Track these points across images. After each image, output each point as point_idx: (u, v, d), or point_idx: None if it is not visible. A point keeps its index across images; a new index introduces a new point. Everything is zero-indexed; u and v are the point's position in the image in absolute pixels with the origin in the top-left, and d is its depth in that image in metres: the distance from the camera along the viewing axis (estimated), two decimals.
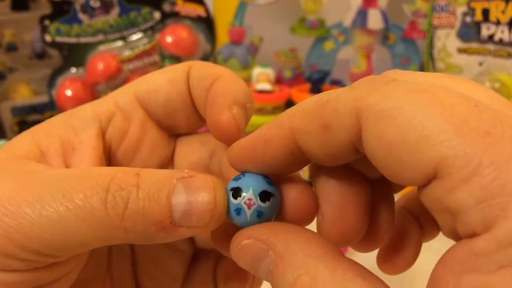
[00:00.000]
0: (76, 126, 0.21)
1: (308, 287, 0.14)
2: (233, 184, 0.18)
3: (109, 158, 0.22)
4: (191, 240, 0.25)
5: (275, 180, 0.18)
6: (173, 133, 0.23)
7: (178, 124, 0.23)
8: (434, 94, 0.14)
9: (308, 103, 0.17)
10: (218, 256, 0.25)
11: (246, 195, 0.17)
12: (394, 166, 0.14)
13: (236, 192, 0.18)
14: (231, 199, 0.18)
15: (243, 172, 0.18)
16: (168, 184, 0.17)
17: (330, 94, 0.16)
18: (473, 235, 0.13)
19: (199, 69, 0.22)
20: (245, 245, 0.17)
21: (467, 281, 0.12)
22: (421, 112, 0.13)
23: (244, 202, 0.17)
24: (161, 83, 0.22)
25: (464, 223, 0.13)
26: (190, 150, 0.23)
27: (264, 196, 0.18)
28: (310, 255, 0.15)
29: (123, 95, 0.22)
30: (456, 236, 0.14)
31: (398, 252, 0.20)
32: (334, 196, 0.18)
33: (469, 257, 0.13)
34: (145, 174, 0.17)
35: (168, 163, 0.24)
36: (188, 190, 0.17)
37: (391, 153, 0.14)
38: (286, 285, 0.15)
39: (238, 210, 0.17)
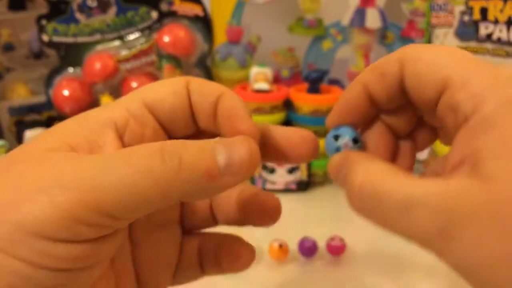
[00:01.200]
0: (95, 129, 0.23)
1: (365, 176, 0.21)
2: (334, 132, 0.26)
3: None
4: (181, 220, 0.29)
5: (359, 131, 0.27)
6: (171, 137, 0.26)
7: (177, 131, 0.25)
8: (444, 47, 0.22)
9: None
10: (201, 238, 0.29)
11: (344, 139, 0.25)
12: (420, 87, 0.22)
13: (336, 137, 0.26)
14: (333, 141, 0.26)
15: (338, 126, 0.26)
16: (210, 143, 0.21)
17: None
18: (466, 120, 0.20)
19: (199, 85, 0.25)
20: (334, 157, 0.24)
21: (468, 148, 0.19)
22: (437, 55, 0.22)
23: (343, 143, 0.25)
24: (166, 94, 0.25)
25: (462, 114, 0.20)
26: None
27: (355, 140, 0.26)
28: (367, 165, 0.22)
29: (132, 102, 0.24)
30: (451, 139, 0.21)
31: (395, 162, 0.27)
32: (378, 146, 0.27)
33: (466, 132, 0.20)
34: (188, 141, 0.21)
35: None
36: (227, 145, 0.21)
37: (419, 79, 0.22)
38: (351, 183, 0.21)
39: (338, 148, 0.25)
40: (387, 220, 0.20)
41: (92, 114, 0.24)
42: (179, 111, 0.25)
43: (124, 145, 0.23)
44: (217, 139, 0.22)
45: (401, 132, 0.27)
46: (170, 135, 0.25)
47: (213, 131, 0.26)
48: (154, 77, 0.70)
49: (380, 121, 0.27)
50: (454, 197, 0.18)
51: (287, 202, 0.69)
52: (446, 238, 0.18)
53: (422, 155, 0.62)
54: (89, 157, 0.20)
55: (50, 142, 0.21)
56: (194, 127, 0.26)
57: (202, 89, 0.25)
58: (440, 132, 0.27)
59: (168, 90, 0.25)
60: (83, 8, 0.69)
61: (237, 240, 0.30)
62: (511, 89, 0.19)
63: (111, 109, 0.24)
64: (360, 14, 0.70)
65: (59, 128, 0.23)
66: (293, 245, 0.50)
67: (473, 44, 0.64)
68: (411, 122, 0.26)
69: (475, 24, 0.63)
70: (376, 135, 0.27)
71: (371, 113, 0.26)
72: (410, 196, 0.19)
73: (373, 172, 0.21)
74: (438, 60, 0.22)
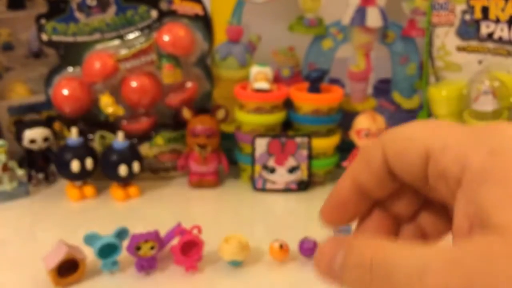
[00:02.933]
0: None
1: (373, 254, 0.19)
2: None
3: None
4: None
5: None
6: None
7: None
8: (419, 122, 0.23)
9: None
10: None
11: None
12: (404, 165, 0.22)
13: None
14: None
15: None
16: None
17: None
18: (459, 182, 0.20)
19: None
20: (323, 246, 0.22)
21: (471, 207, 0.19)
22: (412, 130, 0.22)
23: None
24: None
25: (452, 178, 0.20)
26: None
27: None
28: (371, 241, 0.20)
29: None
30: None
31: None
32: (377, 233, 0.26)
33: (463, 193, 0.19)
34: None
35: None
36: None
37: (401, 158, 0.22)
38: (357, 263, 0.20)
39: None
40: None
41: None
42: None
43: None
44: None
45: (402, 217, 0.26)
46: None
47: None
48: (154, 77, 0.70)
49: (377, 209, 0.26)
50: (471, 257, 0.17)
51: (287, 202, 0.69)
52: None
53: None
54: None
55: None
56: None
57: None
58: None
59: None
60: (83, 7, 0.69)
61: None
62: (489, 139, 0.19)
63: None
64: (360, 13, 0.70)
65: None
66: (293, 245, 0.50)
67: (474, 43, 0.64)
68: (411, 205, 0.25)
69: (476, 23, 0.63)
70: (374, 223, 0.26)
71: (366, 204, 0.25)
72: (423, 263, 0.18)
73: (379, 245, 0.20)
74: (413, 135, 0.22)
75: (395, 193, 0.25)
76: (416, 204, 0.25)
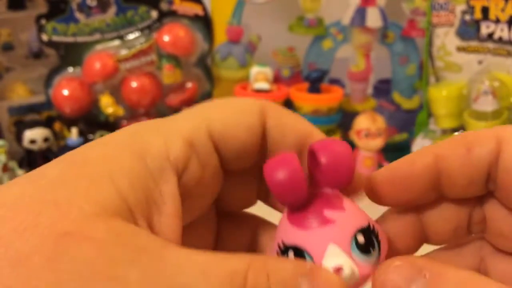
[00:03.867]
0: (153, 171, 0.18)
1: None
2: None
3: None
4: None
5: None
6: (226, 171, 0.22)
7: (234, 167, 0.21)
8: None
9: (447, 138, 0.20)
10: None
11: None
12: None
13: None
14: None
15: None
16: (296, 280, 0.17)
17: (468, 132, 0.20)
18: None
19: (278, 120, 0.21)
20: (398, 266, 0.17)
21: None
22: None
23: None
24: (239, 129, 0.20)
25: None
26: (243, 181, 0.23)
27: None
28: (462, 274, 0.17)
29: (198, 133, 0.19)
30: None
31: None
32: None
33: None
34: (273, 273, 0.17)
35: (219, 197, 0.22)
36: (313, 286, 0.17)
37: None
38: None
39: None
40: None
41: (153, 140, 0.19)
42: (249, 150, 0.20)
43: (178, 187, 0.19)
44: (304, 268, 0.17)
45: (435, 240, 0.21)
46: (225, 170, 0.21)
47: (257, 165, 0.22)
48: (154, 77, 0.70)
49: (415, 214, 0.21)
50: None
51: None
52: None
53: None
54: (157, 270, 0.15)
55: (109, 198, 0.16)
56: (254, 163, 0.22)
57: (283, 127, 0.21)
58: None
59: (241, 122, 0.20)
60: (83, 7, 0.69)
61: None
62: None
63: (172, 141, 0.19)
64: (360, 14, 0.70)
65: (113, 165, 0.18)
66: None
67: (474, 43, 0.64)
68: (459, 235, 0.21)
69: (476, 23, 0.63)
70: (406, 228, 0.21)
71: (428, 197, 0.20)
72: None
73: (484, 284, 0.16)
74: None
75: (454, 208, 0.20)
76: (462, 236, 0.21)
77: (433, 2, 0.66)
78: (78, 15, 0.69)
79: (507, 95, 0.61)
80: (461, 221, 0.20)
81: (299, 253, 0.18)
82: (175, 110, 0.72)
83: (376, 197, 0.20)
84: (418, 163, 0.19)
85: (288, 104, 0.69)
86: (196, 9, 0.71)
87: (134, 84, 0.68)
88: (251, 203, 0.24)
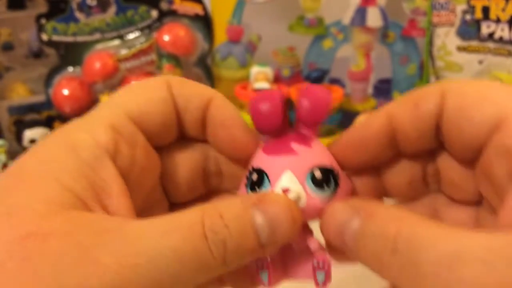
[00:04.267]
0: (88, 160, 0.19)
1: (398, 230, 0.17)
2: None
3: None
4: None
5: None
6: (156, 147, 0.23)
7: (163, 141, 0.23)
8: (492, 82, 0.19)
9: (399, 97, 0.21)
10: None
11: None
12: (463, 125, 0.19)
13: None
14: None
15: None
16: (248, 216, 0.19)
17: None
18: None
19: (182, 87, 0.22)
20: (339, 207, 0.19)
21: None
22: (488, 89, 0.19)
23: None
24: (153, 104, 0.22)
25: None
26: (181, 158, 0.24)
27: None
28: (390, 211, 0.18)
29: (117, 118, 0.21)
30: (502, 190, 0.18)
31: None
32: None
33: None
34: (225, 212, 0.18)
35: (161, 175, 0.24)
36: (267, 217, 0.19)
37: (464, 115, 0.19)
38: (378, 234, 0.17)
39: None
40: (423, 279, 0.16)
41: (79, 136, 0.20)
42: (168, 122, 0.22)
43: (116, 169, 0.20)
44: (252, 200, 0.19)
45: (393, 194, 0.23)
46: (156, 146, 0.23)
47: (200, 138, 0.24)
48: (154, 77, 0.69)
49: (375, 171, 0.22)
50: None
51: None
52: None
53: None
54: (117, 237, 0.17)
55: (57, 193, 0.17)
56: (178, 134, 0.23)
57: (188, 93, 0.22)
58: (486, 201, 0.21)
59: (153, 98, 0.22)
60: (83, 7, 0.69)
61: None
62: None
63: (97, 130, 0.20)
64: (361, 13, 0.70)
65: (51, 165, 0.18)
66: None
67: (474, 43, 0.64)
68: (414, 188, 0.22)
69: (477, 23, 0.63)
70: (366, 184, 0.22)
71: (387, 154, 0.22)
72: (457, 250, 0.15)
73: (407, 218, 0.17)
74: (489, 96, 0.18)
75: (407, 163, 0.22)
76: (418, 189, 0.22)
77: (434, 2, 0.66)
78: (78, 15, 0.69)
79: None
80: (416, 174, 0.22)
81: (261, 175, 0.21)
82: None
83: (338, 163, 0.22)
84: (373, 124, 0.21)
85: (288, 104, 0.69)
86: (196, 9, 0.71)
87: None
88: (198, 190, 0.25)
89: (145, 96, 0.22)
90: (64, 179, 0.18)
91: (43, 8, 0.70)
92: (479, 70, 0.63)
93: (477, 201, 0.21)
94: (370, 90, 0.75)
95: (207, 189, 0.25)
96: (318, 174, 0.21)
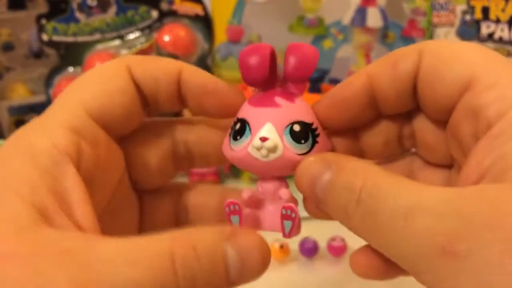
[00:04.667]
0: (48, 168, 0.18)
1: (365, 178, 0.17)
2: None
3: None
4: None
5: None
6: (116, 137, 0.22)
7: (128, 130, 0.22)
8: (470, 43, 0.19)
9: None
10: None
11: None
12: (437, 84, 0.19)
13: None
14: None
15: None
16: (221, 252, 0.18)
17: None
18: (490, 127, 0.17)
19: (146, 68, 0.22)
20: (313, 160, 0.20)
21: (487, 160, 0.16)
22: (462, 49, 0.19)
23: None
24: (113, 97, 0.21)
25: (484, 119, 0.17)
26: (149, 146, 0.23)
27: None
28: (359, 164, 0.18)
29: (75, 118, 0.20)
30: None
31: None
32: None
33: (488, 141, 0.17)
34: (199, 244, 0.17)
35: (128, 166, 0.23)
36: (240, 254, 0.18)
37: (438, 73, 0.19)
38: (346, 186, 0.18)
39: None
40: (380, 229, 0.16)
41: (36, 141, 0.19)
42: (130, 111, 0.21)
43: (81, 177, 0.19)
44: (226, 233, 0.18)
45: (369, 154, 0.23)
46: (119, 136, 0.22)
47: (175, 110, 0.24)
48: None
49: (354, 133, 0.23)
50: (469, 200, 0.15)
51: None
52: (451, 254, 0.14)
53: None
54: (79, 261, 0.16)
55: (18, 210, 0.17)
56: (143, 117, 0.23)
57: (153, 72, 0.22)
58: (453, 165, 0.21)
59: (112, 88, 0.21)
60: (83, 7, 0.69)
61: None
62: None
63: (56, 134, 0.19)
64: (361, 13, 0.70)
65: (10, 177, 0.18)
66: (294, 246, 0.50)
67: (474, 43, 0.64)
68: (390, 148, 0.23)
69: (477, 23, 0.63)
70: (345, 145, 0.23)
71: (367, 115, 0.22)
72: (412, 202, 0.16)
73: (372, 171, 0.18)
74: (462, 56, 0.19)
75: (390, 127, 0.22)
76: (393, 148, 0.23)
77: (434, 2, 0.66)
78: (79, 15, 0.69)
79: None
80: (392, 135, 0.22)
81: (243, 124, 0.22)
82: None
83: (320, 122, 0.22)
84: (354, 84, 0.21)
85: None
86: (196, 9, 0.71)
87: None
88: (169, 175, 0.25)
89: (104, 87, 0.21)
90: (24, 192, 0.17)
91: (43, 8, 0.70)
92: None
93: (450, 164, 0.22)
94: None
95: (179, 172, 0.25)
96: (297, 128, 0.21)
